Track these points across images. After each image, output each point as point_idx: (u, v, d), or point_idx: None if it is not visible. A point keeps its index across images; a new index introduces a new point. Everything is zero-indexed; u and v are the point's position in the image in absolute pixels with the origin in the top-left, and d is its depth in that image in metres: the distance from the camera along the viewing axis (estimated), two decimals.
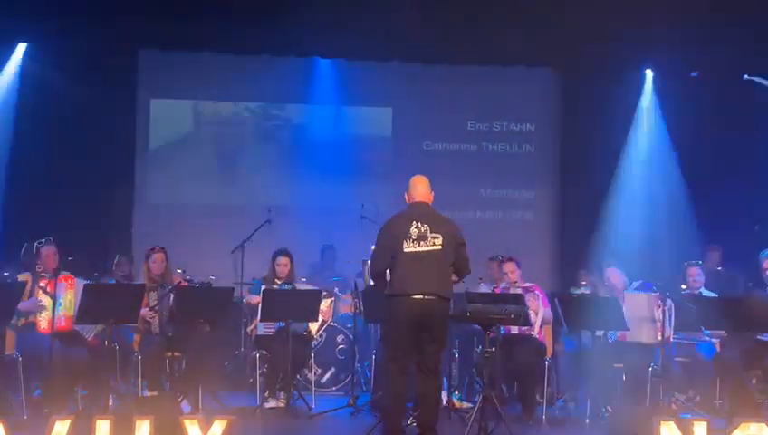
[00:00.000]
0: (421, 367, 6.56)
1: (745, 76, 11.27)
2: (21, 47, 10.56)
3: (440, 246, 6.52)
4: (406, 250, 6.50)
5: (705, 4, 9.52)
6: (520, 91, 11.80)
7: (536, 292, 8.26)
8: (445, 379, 8.26)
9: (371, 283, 7.17)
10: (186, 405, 7.58)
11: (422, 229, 6.52)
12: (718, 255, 10.15)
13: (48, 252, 7.61)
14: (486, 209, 11.70)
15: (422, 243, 6.51)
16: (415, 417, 6.96)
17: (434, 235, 6.53)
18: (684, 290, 8.44)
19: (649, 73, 11.54)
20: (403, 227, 6.56)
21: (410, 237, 6.51)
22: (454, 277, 6.69)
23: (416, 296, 6.44)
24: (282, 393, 8.19)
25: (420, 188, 6.73)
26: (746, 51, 10.58)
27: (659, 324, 7.80)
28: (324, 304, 8.75)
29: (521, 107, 11.87)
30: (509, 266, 8.42)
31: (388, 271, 6.62)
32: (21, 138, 10.40)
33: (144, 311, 7.88)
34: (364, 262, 8.27)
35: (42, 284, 7.50)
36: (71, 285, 7.53)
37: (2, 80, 10.53)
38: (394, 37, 10.33)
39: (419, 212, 6.64)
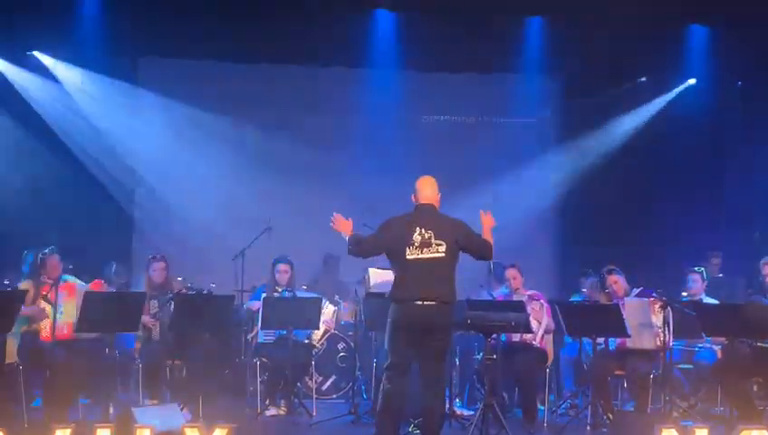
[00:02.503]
0: (424, 377, 6.47)
1: (739, 83, 11.33)
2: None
3: (443, 254, 6.43)
4: (408, 257, 6.43)
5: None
6: (520, 97, 11.82)
7: (541, 301, 8.25)
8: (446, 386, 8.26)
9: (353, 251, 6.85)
10: (186, 413, 7.55)
11: (426, 236, 6.43)
12: (718, 262, 10.13)
13: (53, 262, 7.63)
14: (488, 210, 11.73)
15: (425, 250, 6.43)
16: (418, 426, 6.93)
17: (438, 242, 6.44)
18: (684, 297, 8.44)
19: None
20: (407, 232, 6.46)
21: (413, 244, 6.43)
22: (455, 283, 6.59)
23: (417, 302, 6.38)
24: (282, 401, 8.19)
25: (427, 190, 6.64)
26: (736, 57, 10.67)
27: (657, 330, 7.81)
28: (328, 314, 8.74)
29: (521, 112, 11.91)
30: (511, 273, 8.41)
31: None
32: (20, 144, 10.41)
33: (145, 319, 7.88)
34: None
35: (43, 292, 7.50)
36: (71, 293, 7.53)
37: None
38: (392, 45, 10.38)
39: (424, 217, 6.55)
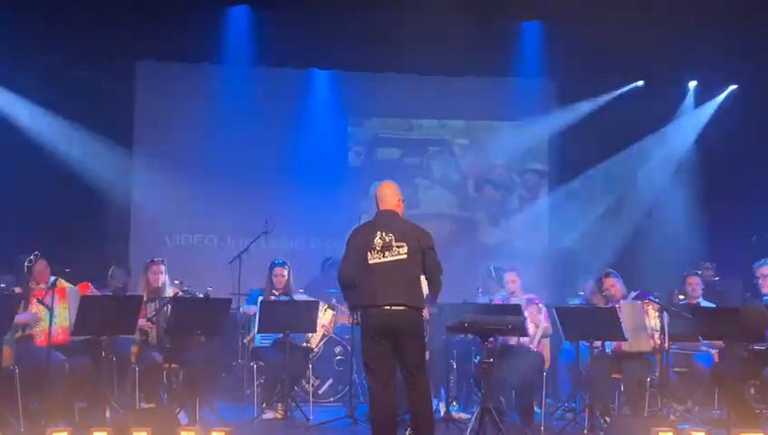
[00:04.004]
0: (406, 379, 6.39)
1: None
2: None
3: (405, 255, 6.34)
4: (371, 262, 6.34)
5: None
6: (517, 101, 11.83)
7: (539, 305, 8.24)
8: (443, 390, 8.26)
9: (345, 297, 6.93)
10: (183, 417, 7.55)
11: (386, 239, 6.36)
12: (711, 273, 10.09)
13: (40, 267, 7.61)
14: (478, 213, 11.76)
15: (386, 253, 6.34)
16: (412, 430, 6.91)
17: (398, 244, 6.35)
18: (682, 300, 8.44)
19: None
20: (368, 237, 6.40)
21: (375, 248, 6.35)
22: (425, 291, 6.49)
23: (385, 307, 6.29)
24: (279, 405, 8.18)
25: (386, 196, 6.57)
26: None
27: (652, 333, 7.81)
28: (326, 318, 8.71)
29: (518, 116, 11.91)
30: (510, 276, 8.41)
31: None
32: (18, 149, 10.40)
33: (142, 322, 7.87)
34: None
35: (37, 296, 7.48)
36: (62, 297, 7.49)
37: None
38: (388, 50, 10.38)
39: (384, 221, 6.47)
